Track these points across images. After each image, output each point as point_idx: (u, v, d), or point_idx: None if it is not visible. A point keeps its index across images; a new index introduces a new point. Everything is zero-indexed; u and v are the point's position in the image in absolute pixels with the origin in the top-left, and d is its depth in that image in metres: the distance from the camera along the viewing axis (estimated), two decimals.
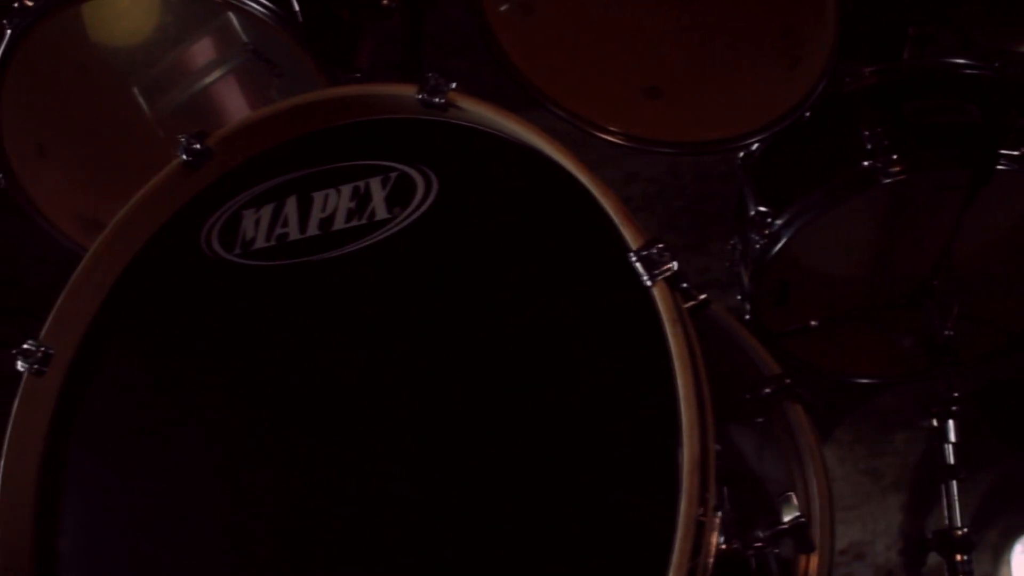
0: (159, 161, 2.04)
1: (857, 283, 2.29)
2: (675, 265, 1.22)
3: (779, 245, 1.99)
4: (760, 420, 1.75)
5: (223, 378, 1.47)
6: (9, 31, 1.78)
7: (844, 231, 2.15)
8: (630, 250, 1.24)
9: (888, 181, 1.89)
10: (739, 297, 2.15)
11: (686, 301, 1.27)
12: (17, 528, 1.49)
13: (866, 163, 1.91)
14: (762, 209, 2.00)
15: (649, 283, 1.22)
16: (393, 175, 1.43)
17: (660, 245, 1.23)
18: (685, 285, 1.26)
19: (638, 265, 1.23)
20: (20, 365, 1.52)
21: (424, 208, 1.40)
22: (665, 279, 1.22)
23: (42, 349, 1.52)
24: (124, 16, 2.04)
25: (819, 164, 1.99)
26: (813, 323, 2.18)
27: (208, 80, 2.04)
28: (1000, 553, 2.91)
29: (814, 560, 1.65)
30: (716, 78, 2.01)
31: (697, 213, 2.90)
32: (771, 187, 2.05)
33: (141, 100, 2.07)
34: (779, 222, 1.98)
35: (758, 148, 2.07)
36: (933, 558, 2.81)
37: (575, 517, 1.21)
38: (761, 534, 1.31)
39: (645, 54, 2.01)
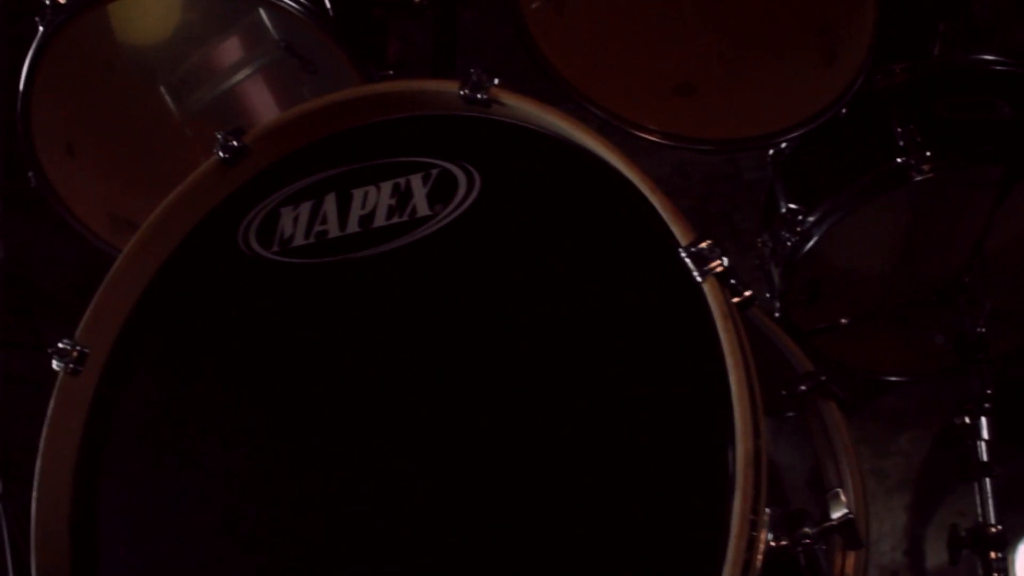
0: (187, 160, 2.05)
1: (887, 280, 2.28)
2: (726, 261, 1.22)
3: (811, 243, 1.99)
4: (791, 414, 1.74)
5: (261, 377, 1.46)
6: (41, 28, 1.78)
7: (875, 228, 2.14)
8: (680, 246, 1.24)
9: (921, 178, 1.89)
10: (767, 295, 2.14)
11: (733, 297, 1.27)
12: (54, 529, 1.48)
13: (899, 160, 1.91)
14: (793, 207, 1.99)
15: (700, 279, 1.22)
16: (434, 172, 1.42)
17: (710, 241, 1.23)
18: (733, 281, 1.25)
19: (688, 261, 1.22)
20: (55, 364, 1.51)
21: (467, 205, 1.39)
22: (716, 275, 1.22)
23: (77, 348, 1.51)
24: (147, 15, 2.04)
25: (850, 161, 1.99)
26: (843, 321, 2.18)
27: (236, 79, 2.03)
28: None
29: (851, 558, 1.64)
30: (748, 75, 2.00)
31: (703, 213, 2.91)
32: (802, 184, 2.05)
33: (168, 99, 2.07)
34: (811, 219, 1.98)
35: (788, 145, 2.07)
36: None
37: (627, 514, 1.20)
38: (809, 531, 1.30)
39: (677, 50, 2.01)
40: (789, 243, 2.00)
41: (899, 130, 1.92)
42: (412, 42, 2.05)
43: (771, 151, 2.09)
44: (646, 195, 1.28)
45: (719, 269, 1.22)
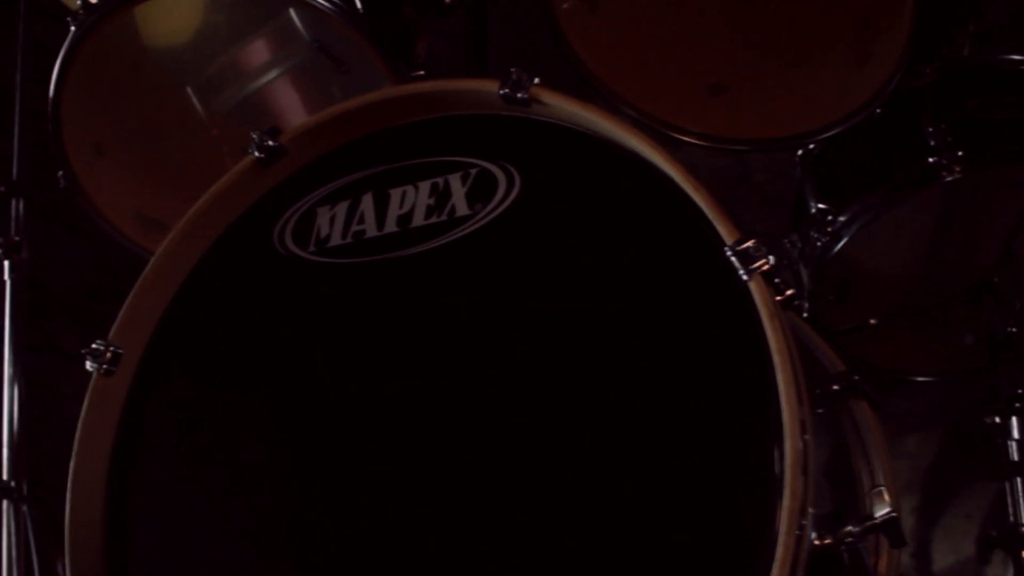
0: (214, 161, 2.05)
1: (916, 280, 2.28)
2: (772, 259, 1.22)
3: (841, 243, 1.99)
4: (820, 411, 1.74)
5: (297, 377, 1.45)
6: (73, 28, 1.78)
7: (905, 228, 2.14)
8: (725, 245, 1.23)
9: (952, 178, 1.89)
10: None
11: (776, 295, 1.26)
12: (88, 529, 1.48)
13: (930, 160, 1.92)
14: (822, 207, 1.99)
15: (746, 277, 1.22)
16: (473, 171, 1.41)
17: (755, 239, 1.23)
18: (777, 280, 1.25)
19: (734, 259, 1.22)
20: (89, 365, 1.50)
21: (507, 204, 1.38)
22: (762, 273, 1.22)
23: (111, 349, 1.51)
24: (171, 16, 2.04)
25: (881, 161, 1.99)
26: (872, 321, 2.18)
27: (264, 80, 2.03)
28: None
29: (883, 558, 1.64)
30: (782, 74, 2.00)
31: None
32: (831, 184, 2.05)
33: (195, 100, 2.07)
34: (841, 220, 1.98)
35: (817, 145, 2.07)
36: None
37: (677, 512, 1.20)
38: (853, 529, 1.30)
39: (710, 50, 2.00)
40: (819, 243, 2.01)
41: (930, 130, 1.92)
42: (444, 43, 2.05)
43: (800, 151, 2.09)
44: (689, 194, 1.28)
45: (765, 268, 1.22)
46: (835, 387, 1.70)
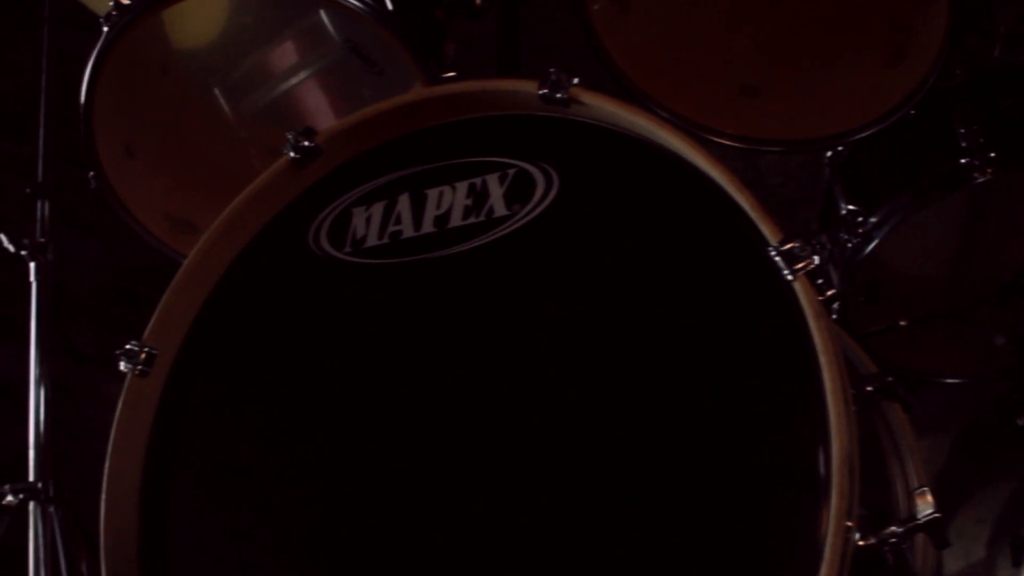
0: (243, 162, 2.06)
1: (946, 280, 2.28)
2: (816, 259, 1.21)
3: (872, 244, 1.98)
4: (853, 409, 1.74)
5: (332, 379, 1.45)
6: (105, 29, 1.78)
7: (935, 229, 2.14)
8: (769, 245, 1.23)
9: (983, 179, 1.89)
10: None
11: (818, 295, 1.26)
12: (122, 533, 1.47)
13: (962, 161, 1.91)
14: (853, 208, 1.99)
15: (791, 278, 1.21)
16: (511, 172, 1.41)
17: (800, 240, 1.22)
18: (820, 281, 1.25)
19: (778, 260, 1.22)
20: (123, 366, 1.50)
21: (545, 205, 1.37)
22: (806, 273, 1.21)
23: (146, 349, 1.50)
24: (198, 18, 2.04)
25: (912, 162, 1.99)
26: (902, 322, 2.18)
27: (293, 81, 2.03)
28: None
29: (920, 559, 1.63)
30: (813, 75, 1.99)
31: None
32: (862, 185, 2.04)
33: (223, 101, 2.07)
34: (872, 221, 1.98)
35: (846, 147, 2.06)
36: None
37: (725, 514, 1.19)
38: (896, 530, 1.29)
39: (743, 50, 2.00)
40: (849, 244, 2.00)
41: (961, 131, 1.92)
42: (466, 46, 2.05)
43: (829, 152, 2.08)
44: (732, 194, 1.27)
45: (810, 267, 1.21)
46: (869, 388, 1.70)
